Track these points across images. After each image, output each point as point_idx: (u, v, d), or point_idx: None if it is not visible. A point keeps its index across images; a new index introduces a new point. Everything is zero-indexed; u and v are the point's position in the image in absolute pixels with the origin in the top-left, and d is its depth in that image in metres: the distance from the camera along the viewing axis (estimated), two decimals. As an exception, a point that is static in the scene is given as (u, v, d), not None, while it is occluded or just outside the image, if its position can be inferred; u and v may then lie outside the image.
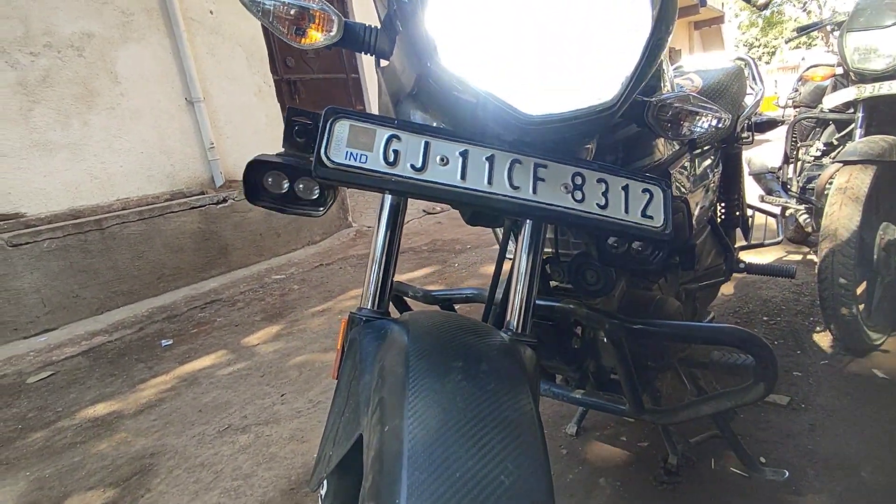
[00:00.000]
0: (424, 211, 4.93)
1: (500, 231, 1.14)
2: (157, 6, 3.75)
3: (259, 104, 4.45)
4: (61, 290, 2.91)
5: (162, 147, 3.75)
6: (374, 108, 5.64)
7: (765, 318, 2.07)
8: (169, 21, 3.78)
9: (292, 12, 0.49)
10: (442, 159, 0.47)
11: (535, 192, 0.48)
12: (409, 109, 0.52)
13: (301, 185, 0.57)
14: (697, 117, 0.57)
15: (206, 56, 4.05)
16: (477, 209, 0.48)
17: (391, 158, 0.47)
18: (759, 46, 23.76)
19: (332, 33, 0.51)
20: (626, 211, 0.49)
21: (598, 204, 0.48)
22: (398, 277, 3.31)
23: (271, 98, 4.56)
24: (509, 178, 0.47)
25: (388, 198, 0.59)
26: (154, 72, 3.71)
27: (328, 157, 0.46)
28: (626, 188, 0.49)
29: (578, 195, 0.48)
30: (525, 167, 0.48)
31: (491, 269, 3.23)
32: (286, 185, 0.57)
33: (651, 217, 0.49)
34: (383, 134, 0.47)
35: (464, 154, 0.47)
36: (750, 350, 0.68)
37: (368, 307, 0.58)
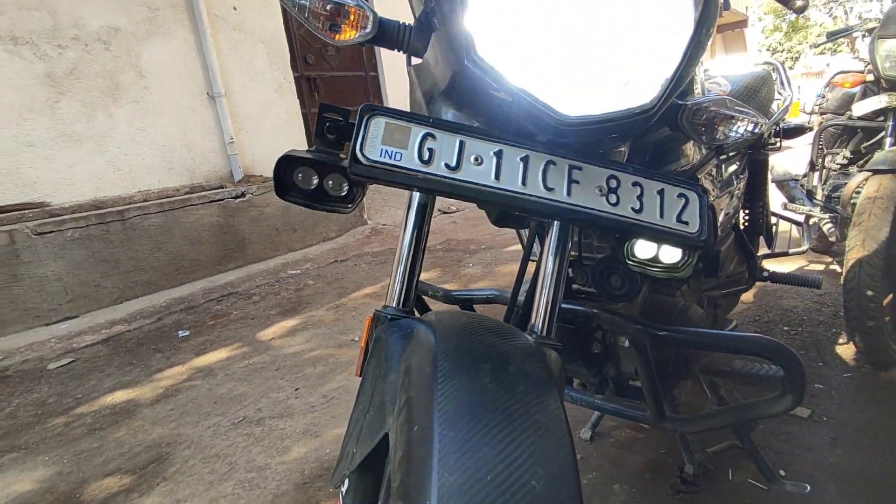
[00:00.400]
0: (440, 210, 4.93)
1: (524, 232, 1.13)
2: (182, 1, 3.80)
3: (279, 100, 4.49)
4: (83, 278, 2.96)
5: (183, 140, 3.81)
6: (391, 105, 5.66)
7: (786, 328, 2.04)
8: (193, 16, 3.84)
9: (328, 8, 0.49)
10: (476, 159, 0.46)
11: (569, 193, 0.47)
12: (443, 107, 0.52)
13: (331, 182, 0.57)
14: (733, 122, 0.56)
15: (228, 52, 4.10)
16: (508, 210, 0.48)
17: (426, 157, 0.47)
18: (782, 51, 23.36)
19: (366, 30, 0.51)
20: (662, 216, 0.48)
21: (632, 208, 0.47)
22: None
23: (291, 95, 4.60)
24: (543, 179, 0.46)
25: (416, 196, 0.58)
26: (177, 66, 3.77)
27: (363, 154, 0.46)
28: (661, 192, 0.48)
29: (613, 198, 0.47)
30: (559, 169, 0.47)
31: (506, 269, 3.22)
32: (315, 181, 0.57)
33: (686, 222, 0.48)
34: (418, 132, 0.47)
35: (498, 154, 0.47)
36: (778, 361, 0.66)
37: (393, 305, 0.58)
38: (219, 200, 3.52)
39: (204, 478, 1.52)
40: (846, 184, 2.02)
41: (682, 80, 0.44)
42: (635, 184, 0.48)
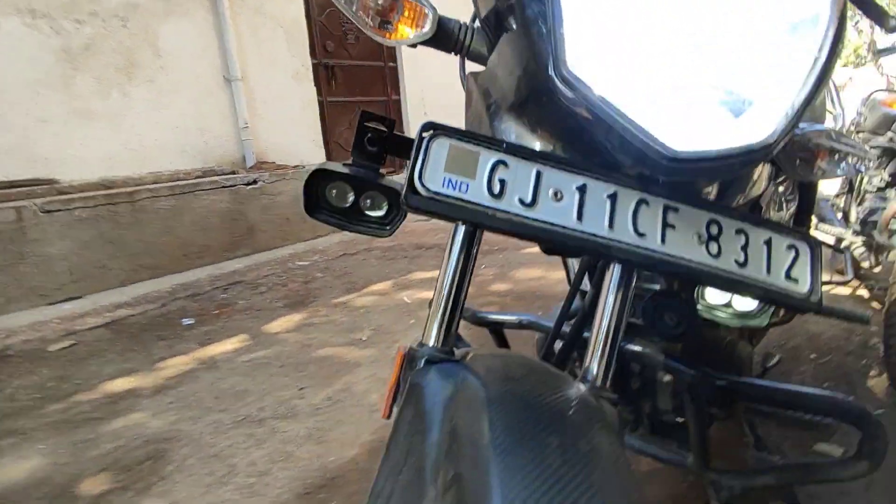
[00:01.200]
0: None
1: (572, 261, 1.05)
2: (204, -19, 3.73)
3: (296, 87, 4.42)
4: (89, 259, 2.92)
5: (197, 123, 3.74)
6: (409, 98, 5.57)
7: (812, 356, 1.95)
8: (214, -3, 3.76)
9: (380, 2, 0.42)
10: (556, 194, 0.38)
11: (663, 241, 0.39)
12: (512, 126, 0.44)
13: (368, 200, 0.50)
14: (836, 156, 0.48)
15: (247, 35, 4.02)
16: (589, 255, 0.40)
17: (496, 189, 0.39)
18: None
19: (424, 29, 0.43)
20: (769, 271, 0.40)
21: (736, 261, 0.40)
22: (422, 273, 3.24)
23: (308, 82, 4.52)
24: (634, 222, 0.39)
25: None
26: (195, 47, 3.70)
27: (423, 184, 0.38)
28: (768, 243, 0.41)
29: (714, 248, 0.40)
30: (653, 210, 0.39)
31: (520, 274, 3.13)
32: (351, 198, 0.50)
33: (795, 280, 0.41)
34: (489, 159, 0.39)
35: (582, 189, 0.39)
36: (860, 426, 0.59)
37: (431, 344, 0.51)
38: (230, 186, 3.46)
39: (202, 480, 1.46)
40: (884, 208, 1.93)
41: (805, 108, 0.36)
42: (739, 231, 0.40)
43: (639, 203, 0.39)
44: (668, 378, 0.80)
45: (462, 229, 0.51)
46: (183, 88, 3.65)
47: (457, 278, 0.51)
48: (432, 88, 5.61)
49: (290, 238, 3.85)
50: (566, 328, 0.79)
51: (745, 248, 0.40)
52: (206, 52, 3.76)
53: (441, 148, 0.39)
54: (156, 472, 1.50)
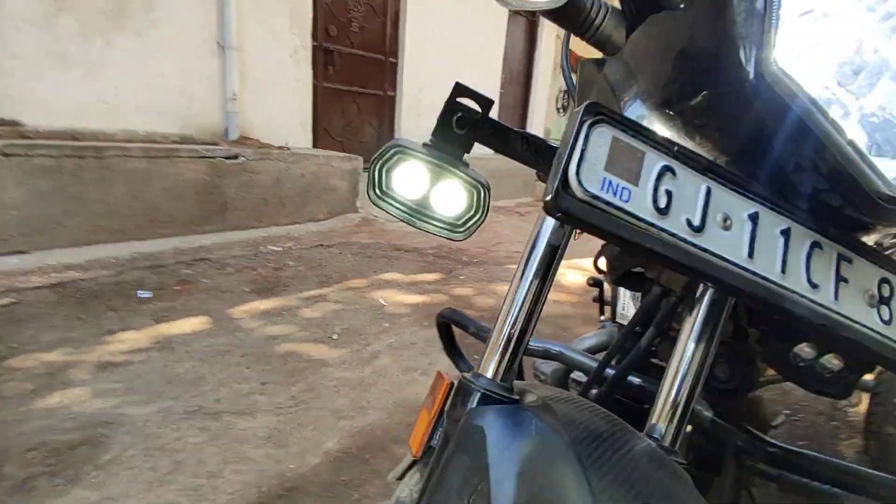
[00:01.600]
0: (435, 212, 4.76)
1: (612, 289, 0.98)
2: (211, -60, 3.54)
3: (292, 66, 4.26)
4: (45, 212, 2.68)
5: (182, 87, 3.54)
6: (404, 96, 5.46)
7: (785, 412, 1.95)
8: (220, -43, 3.58)
9: None
10: (725, 219, 0.31)
11: (836, 296, 0.32)
12: (659, 128, 0.35)
13: (444, 193, 0.41)
14: None
15: (249, 3, 3.85)
16: (756, 306, 0.32)
17: (662, 203, 0.30)
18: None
19: None
20: None
21: None
22: (400, 276, 3.10)
23: (305, 63, 4.37)
24: (807, 268, 0.32)
25: (548, 227, 0.42)
26: (192, 6, 3.50)
27: (580, 183, 0.29)
28: None
29: (886, 313, 0.33)
30: (826, 256, 0.32)
31: (501, 289, 3.07)
32: (426, 187, 0.41)
33: None
34: (655, 162, 0.31)
35: (753, 218, 0.31)
36: None
37: (489, 376, 0.42)
38: (209, 158, 3.27)
39: (143, 475, 1.32)
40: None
41: None
42: None
43: (813, 246, 0.32)
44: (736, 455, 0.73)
45: (542, 246, 0.43)
46: (172, 47, 3.44)
47: (527, 304, 0.42)
48: (429, 89, 5.53)
49: (265, 220, 3.67)
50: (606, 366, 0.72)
51: None
52: (202, 12, 3.56)
53: (602, 139, 0.30)
54: (91, 459, 1.35)
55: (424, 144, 0.41)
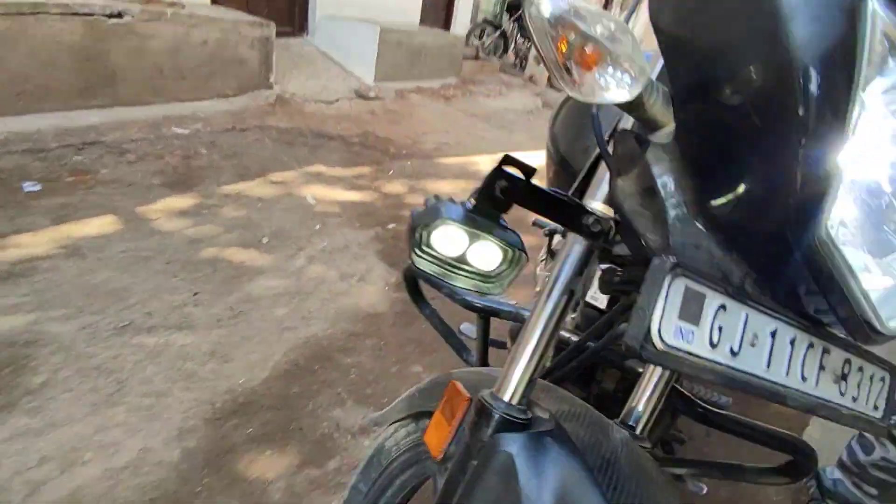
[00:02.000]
0: (356, 93, 4.45)
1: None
2: None
3: None
4: None
5: None
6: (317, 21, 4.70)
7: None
8: None
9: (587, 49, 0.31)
10: (753, 338, 0.36)
11: (817, 383, 0.39)
12: (695, 241, 0.37)
13: (479, 250, 0.42)
14: None
15: None
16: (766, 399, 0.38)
17: (715, 339, 0.35)
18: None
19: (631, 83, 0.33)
20: (867, 401, 0.44)
21: (853, 396, 0.42)
22: (326, 168, 3.00)
23: None
24: (802, 365, 0.38)
25: (569, 271, 0.46)
26: None
27: (660, 335, 0.33)
28: (872, 377, 0.44)
29: (843, 386, 0.41)
30: (816, 352, 0.39)
31: (433, 187, 3.07)
32: (464, 246, 0.42)
33: (877, 407, 0.45)
34: (713, 302, 0.35)
35: (773, 334, 0.37)
36: (795, 454, 0.71)
37: (506, 400, 0.47)
38: (86, 16, 2.70)
39: (85, 398, 1.29)
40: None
41: None
42: (861, 368, 0.42)
43: (808, 346, 0.38)
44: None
45: (562, 285, 0.46)
46: None
47: (550, 328, 0.47)
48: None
49: (164, 95, 3.22)
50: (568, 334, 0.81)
51: (860, 384, 0.43)
52: None
53: (677, 290, 0.33)
54: (20, 384, 1.29)
55: (464, 204, 0.41)
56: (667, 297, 0.33)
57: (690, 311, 0.34)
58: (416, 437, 0.70)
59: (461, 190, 3.06)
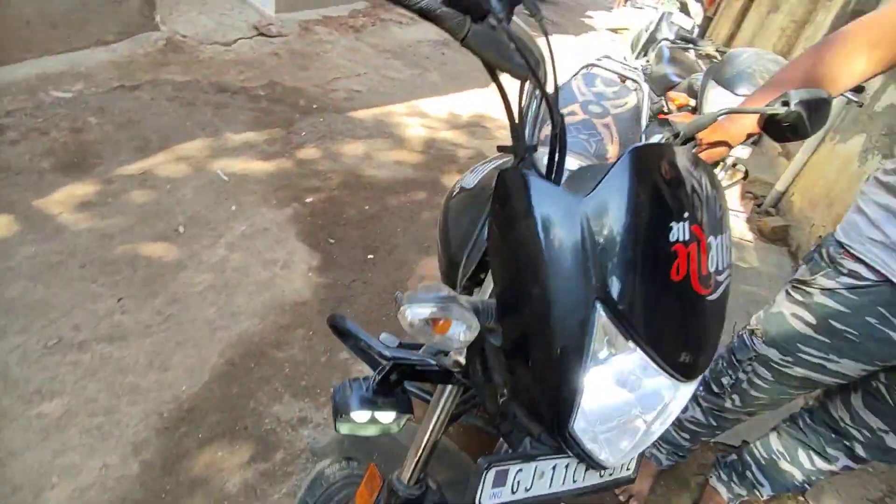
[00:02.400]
0: (257, 30, 4.13)
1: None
2: None
3: None
4: None
5: None
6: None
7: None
8: None
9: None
10: (541, 475, 0.60)
11: (584, 479, 0.65)
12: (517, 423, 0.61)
13: (380, 415, 0.64)
14: None
15: None
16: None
17: (515, 487, 0.58)
18: None
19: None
20: (621, 471, 0.71)
21: (610, 473, 0.69)
22: (233, 134, 3.01)
23: None
24: (574, 473, 0.63)
25: (446, 391, 0.69)
26: None
27: (481, 502, 0.56)
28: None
29: (602, 472, 0.68)
30: (571, 463, 0.64)
31: (348, 149, 3.06)
32: (369, 417, 0.63)
33: (629, 469, 0.73)
34: (513, 469, 0.58)
35: (554, 468, 0.61)
36: None
37: (405, 481, 0.71)
38: (-83, -39, 2.28)
39: (30, 423, 1.40)
40: None
41: None
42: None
43: (569, 464, 0.65)
44: None
45: (448, 391, 0.69)
46: None
47: (436, 429, 0.70)
48: None
49: (34, 49, 2.86)
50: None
51: (613, 471, 0.71)
52: None
53: (490, 475, 0.57)
54: (-38, 420, 1.36)
55: (368, 387, 0.63)
56: (484, 480, 0.57)
57: (500, 480, 0.59)
58: (348, 472, 0.95)
59: (376, 150, 3.10)
